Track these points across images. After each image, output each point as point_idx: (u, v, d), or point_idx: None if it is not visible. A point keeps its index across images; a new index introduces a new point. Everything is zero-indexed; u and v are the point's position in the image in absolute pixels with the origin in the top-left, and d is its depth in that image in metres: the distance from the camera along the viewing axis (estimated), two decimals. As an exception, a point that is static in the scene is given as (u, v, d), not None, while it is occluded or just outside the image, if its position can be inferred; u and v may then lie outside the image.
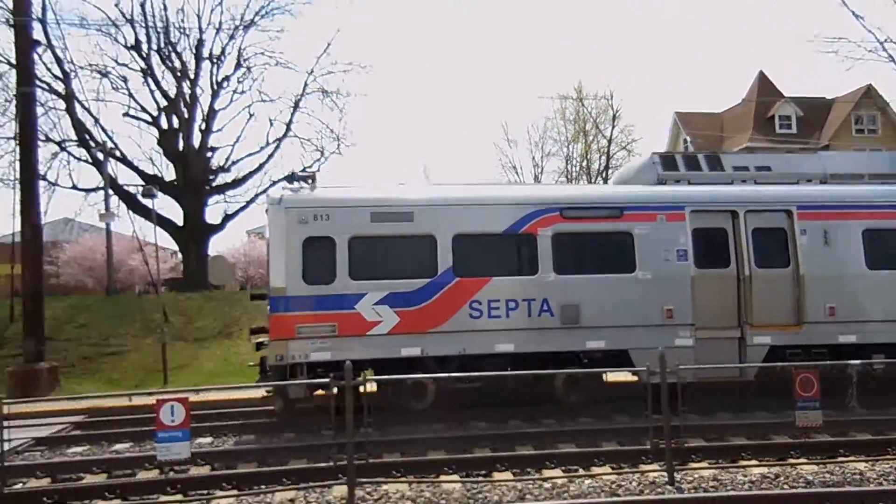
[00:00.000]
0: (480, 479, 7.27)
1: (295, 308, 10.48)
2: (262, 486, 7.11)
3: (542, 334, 10.72)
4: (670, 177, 11.95)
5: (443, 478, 7.28)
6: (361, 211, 10.78)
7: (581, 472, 7.51)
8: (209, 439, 9.69)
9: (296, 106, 28.59)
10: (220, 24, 27.73)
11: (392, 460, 7.88)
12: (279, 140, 28.60)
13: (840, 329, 11.08)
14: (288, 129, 28.65)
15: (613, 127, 41.72)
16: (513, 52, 72.70)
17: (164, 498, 6.87)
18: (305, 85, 28.54)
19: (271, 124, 29.02)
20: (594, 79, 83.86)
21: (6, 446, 6.90)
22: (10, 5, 16.44)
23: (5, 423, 6.76)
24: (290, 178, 11.56)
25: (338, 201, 10.95)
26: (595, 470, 7.52)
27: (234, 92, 28.38)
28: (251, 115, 28.59)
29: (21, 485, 7.51)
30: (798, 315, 11.10)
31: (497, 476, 7.35)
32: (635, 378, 11.15)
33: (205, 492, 7.06)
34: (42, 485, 7.49)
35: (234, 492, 6.99)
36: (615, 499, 6.63)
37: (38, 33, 19.50)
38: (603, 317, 10.82)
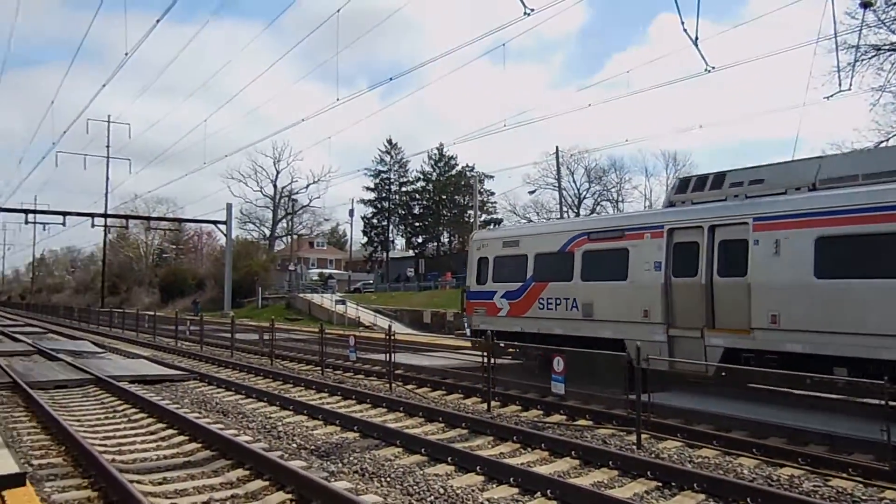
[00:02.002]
0: None
1: (473, 298, 17.56)
2: None
3: (573, 324, 14.59)
4: (678, 199, 13.71)
5: None
6: (499, 241, 17.24)
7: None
8: None
9: None
10: None
11: None
12: None
13: (786, 337, 10.92)
14: None
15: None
16: None
17: None
18: None
19: None
20: None
21: None
22: None
23: None
24: (486, 223, 19.64)
25: (491, 236, 18.47)
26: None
27: None
28: None
29: None
30: (748, 321, 11.31)
31: None
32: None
33: None
34: None
35: None
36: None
37: None
38: (607, 313, 13.94)
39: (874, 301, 9.93)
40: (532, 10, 15.01)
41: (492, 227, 22.74)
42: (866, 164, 11.36)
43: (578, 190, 67.58)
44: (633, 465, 7.88)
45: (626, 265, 13.57)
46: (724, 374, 11.58)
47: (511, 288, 16.28)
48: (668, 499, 7.00)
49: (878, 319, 9.82)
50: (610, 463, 8.05)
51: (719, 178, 13.26)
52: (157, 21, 19.26)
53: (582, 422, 10.86)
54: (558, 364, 10.74)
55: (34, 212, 48.08)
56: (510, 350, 16.01)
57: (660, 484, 7.37)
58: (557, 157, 53.78)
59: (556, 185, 56.88)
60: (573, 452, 8.54)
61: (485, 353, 12.65)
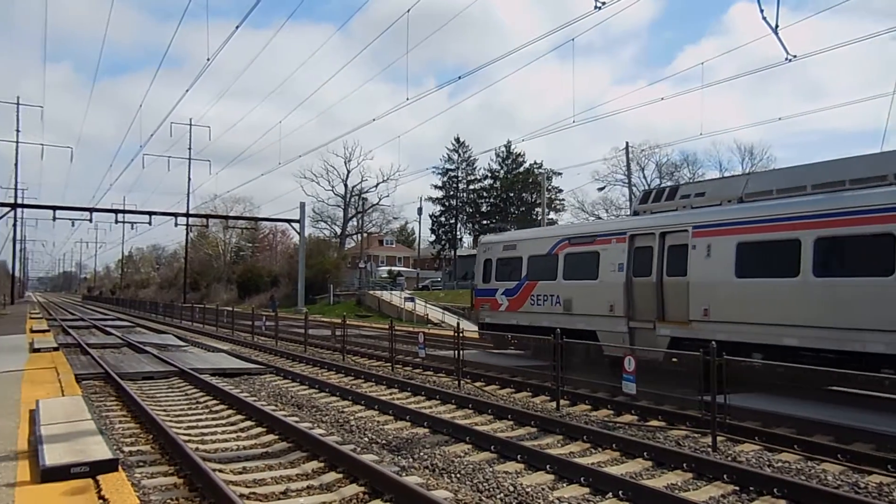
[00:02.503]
0: None
1: (480, 295, 19.91)
2: None
3: (556, 317, 16.44)
4: (641, 209, 16.00)
5: None
6: (500, 244, 19.57)
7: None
8: None
9: None
10: None
11: None
12: None
13: (716, 328, 12.48)
14: None
15: None
16: None
17: None
18: None
19: None
20: None
21: None
22: None
23: None
24: (494, 229, 25.26)
25: (495, 240, 20.17)
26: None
27: None
28: None
29: None
30: (687, 314, 13.08)
31: None
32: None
33: None
34: None
35: None
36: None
37: None
38: (583, 307, 15.92)
39: (775, 296, 11.76)
40: (603, 2, 14.79)
41: (500, 232, 23.60)
42: (780, 181, 12.99)
43: (649, 186, 66.00)
44: (708, 468, 7.68)
45: (597, 266, 15.61)
46: (674, 359, 13.30)
47: (509, 286, 18.60)
48: (746, 504, 6.80)
49: (779, 311, 11.67)
50: (684, 465, 7.88)
51: (673, 190, 15.61)
52: (237, 27, 20.13)
53: (654, 422, 10.65)
54: (629, 363, 10.55)
55: (123, 211, 50.69)
56: (513, 341, 18.71)
57: (737, 488, 7.15)
58: (627, 153, 52.71)
59: (626, 181, 55.78)
60: (645, 453, 8.40)
61: (554, 352, 12.59)
